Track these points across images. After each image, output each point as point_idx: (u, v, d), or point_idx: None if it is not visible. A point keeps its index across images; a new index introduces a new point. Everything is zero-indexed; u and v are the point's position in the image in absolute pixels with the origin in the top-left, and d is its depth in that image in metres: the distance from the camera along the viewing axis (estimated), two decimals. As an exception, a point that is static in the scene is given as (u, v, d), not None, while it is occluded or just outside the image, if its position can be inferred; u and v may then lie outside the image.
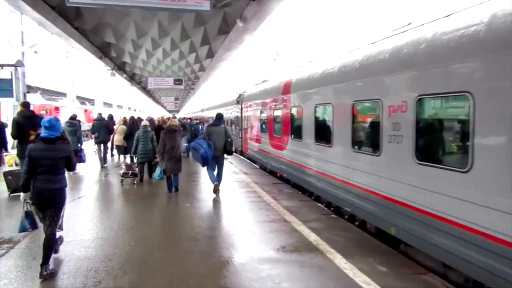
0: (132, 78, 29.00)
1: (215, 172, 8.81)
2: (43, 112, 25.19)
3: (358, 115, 6.51)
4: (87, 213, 7.18)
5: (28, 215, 4.78)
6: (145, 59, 22.11)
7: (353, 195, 6.40)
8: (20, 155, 8.29)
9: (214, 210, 7.44)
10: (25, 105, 8.70)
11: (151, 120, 14.36)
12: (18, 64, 13.28)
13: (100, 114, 15.04)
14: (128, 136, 12.31)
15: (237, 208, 7.41)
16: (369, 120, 6.28)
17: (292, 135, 10.01)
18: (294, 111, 9.89)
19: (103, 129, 13.88)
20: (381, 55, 5.77)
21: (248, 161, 15.80)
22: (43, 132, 4.56)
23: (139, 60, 22.82)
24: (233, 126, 21.11)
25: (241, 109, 17.81)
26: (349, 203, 6.58)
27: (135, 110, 66.09)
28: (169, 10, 9.55)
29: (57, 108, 32.15)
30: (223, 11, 13.41)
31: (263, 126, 13.26)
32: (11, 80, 13.04)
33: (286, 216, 6.57)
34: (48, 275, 4.34)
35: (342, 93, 6.97)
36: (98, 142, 13.98)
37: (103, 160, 13.88)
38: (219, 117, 9.11)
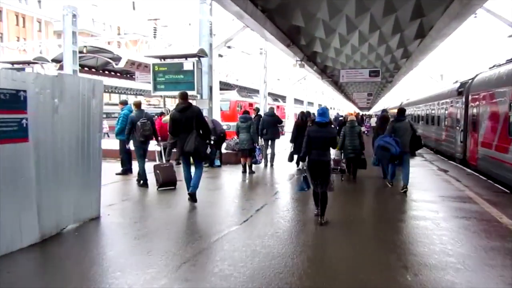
0: (323, 71, 26.42)
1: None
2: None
3: None
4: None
5: (305, 178, 5.98)
6: (338, 47, 18.98)
7: None
8: (178, 148, 7.20)
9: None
10: (183, 96, 7.10)
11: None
12: (200, 53, 11.84)
13: (272, 109, 12.56)
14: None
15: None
16: None
17: None
18: None
19: (272, 125, 11.55)
20: None
21: (480, 176, 10.80)
22: (317, 118, 5.94)
23: (331, 49, 19.87)
24: (444, 125, 16.02)
25: (466, 103, 12.76)
26: None
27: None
28: None
29: (250, 104, 32.40)
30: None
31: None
32: (192, 71, 11.72)
33: None
34: (324, 224, 5.66)
35: None
36: (266, 139, 11.71)
37: (271, 159, 11.62)
38: (402, 112, 8.76)
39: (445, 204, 7.13)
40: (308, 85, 42.78)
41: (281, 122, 11.68)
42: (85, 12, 55.94)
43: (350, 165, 9.66)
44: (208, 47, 13.59)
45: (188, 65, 11.77)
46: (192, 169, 7.05)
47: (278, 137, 11.81)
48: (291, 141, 11.34)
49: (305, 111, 13.99)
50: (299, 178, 6.02)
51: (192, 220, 6.01)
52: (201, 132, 6.84)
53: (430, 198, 7.61)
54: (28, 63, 13.66)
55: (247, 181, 9.36)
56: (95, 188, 5.82)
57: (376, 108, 74.30)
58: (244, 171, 10.03)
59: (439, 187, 8.85)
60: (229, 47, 20.48)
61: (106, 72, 27.46)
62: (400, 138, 8.02)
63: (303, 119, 11.46)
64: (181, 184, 7.70)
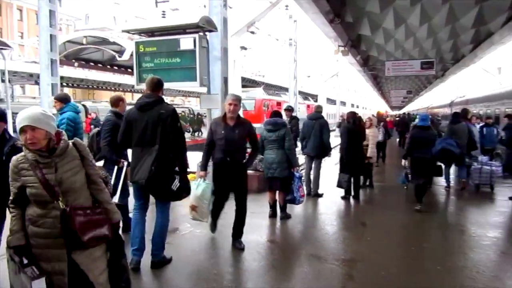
0: (366, 62, 21.76)
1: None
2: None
3: None
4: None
5: (406, 174, 6.77)
6: (390, 28, 14.45)
7: None
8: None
9: None
10: (153, 84, 3.99)
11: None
12: (205, 25, 7.61)
13: (319, 108, 8.03)
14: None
15: None
16: None
17: None
18: None
19: (316, 134, 7.21)
20: None
21: None
22: (419, 122, 6.60)
23: (379, 33, 15.32)
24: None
25: None
26: None
27: (357, 107, 59.26)
28: None
29: (278, 103, 28.36)
30: None
31: None
32: (193, 52, 7.57)
33: None
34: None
35: None
36: (307, 155, 7.50)
37: (314, 186, 7.31)
38: (461, 114, 8.68)
39: None
40: (341, 83, 38.15)
41: (328, 129, 7.32)
42: (107, 10, 53.14)
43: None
44: (220, 22, 9.35)
45: (186, 42, 7.57)
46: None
47: (326, 154, 7.42)
48: (341, 155, 7.10)
49: (354, 110, 9.50)
50: (402, 173, 6.76)
51: None
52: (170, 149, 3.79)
53: None
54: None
55: (277, 242, 4.87)
56: None
57: (411, 107, 68.15)
58: (272, 215, 5.74)
59: None
60: (252, 32, 16.25)
61: (115, 67, 23.83)
62: (458, 140, 7.64)
63: (355, 123, 7.16)
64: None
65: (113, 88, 32.86)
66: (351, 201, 6.97)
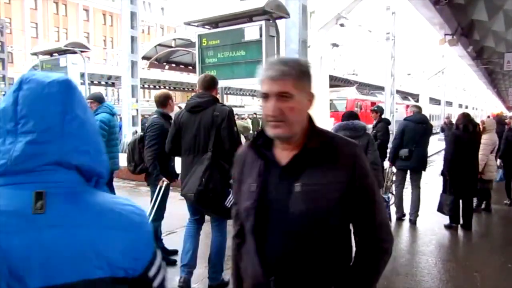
0: (479, 55, 18.40)
1: None
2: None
3: None
4: None
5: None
6: (514, 10, 11.66)
7: None
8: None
9: None
10: (205, 82, 3.31)
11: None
12: (274, 10, 6.36)
13: (419, 109, 6.18)
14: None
15: None
16: None
17: None
18: None
19: (422, 141, 5.58)
20: None
21: None
22: None
23: (499, 18, 12.55)
24: None
25: None
26: None
27: (466, 107, 52.63)
28: None
29: (373, 104, 25.98)
30: None
31: None
32: (259, 43, 6.40)
33: None
34: None
35: None
36: (403, 169, 5.64)
37: (413, 209, 5.50)
38: None
39: None
40: (447, 81, 33.92)
41: (430, 134, 5.68)
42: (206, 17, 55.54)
43: None
44: (299, 10, 8.12)
45: (251, 31, 6.48)
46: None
47: (425, 167, 5.67)
48: (443, 171, 5.30)
49: (467, 112, 7.42)
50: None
51: None
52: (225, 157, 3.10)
53: None
54: (61, 51, 10.03)
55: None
56: None
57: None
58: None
59: None
60: (342, 25, 14.59)
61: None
62: None
63: (467, 128, 5.26)
64: None
65: (205, 90, 33.57)
66: (459, 233, 5.12)
